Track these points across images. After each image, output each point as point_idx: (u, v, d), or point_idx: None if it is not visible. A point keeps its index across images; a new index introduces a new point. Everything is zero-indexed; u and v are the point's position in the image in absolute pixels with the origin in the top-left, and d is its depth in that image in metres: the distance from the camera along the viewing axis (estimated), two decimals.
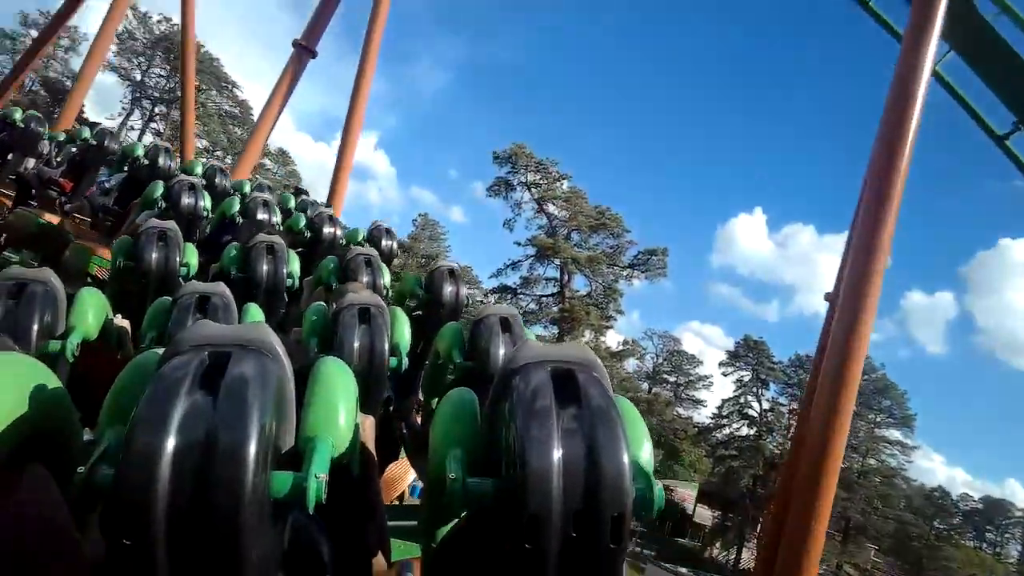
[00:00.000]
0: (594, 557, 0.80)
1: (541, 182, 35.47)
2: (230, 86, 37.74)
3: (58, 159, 6.92)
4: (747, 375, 37.81)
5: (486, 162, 37.94)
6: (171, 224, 3.28)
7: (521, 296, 35.19)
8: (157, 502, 0.69)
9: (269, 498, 0.78)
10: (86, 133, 6.78)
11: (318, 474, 0.83)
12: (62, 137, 7.70)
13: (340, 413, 1.01)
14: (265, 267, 3.45)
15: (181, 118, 18.17)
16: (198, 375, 0.80)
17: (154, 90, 36.48)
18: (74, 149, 6.62)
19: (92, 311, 2.06)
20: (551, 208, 35.47)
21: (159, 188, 4.52)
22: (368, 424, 1.36)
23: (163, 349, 0.92)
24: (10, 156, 6.37)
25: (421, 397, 3.01)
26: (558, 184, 35.49)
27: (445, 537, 1.05)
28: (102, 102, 37.79)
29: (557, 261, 34.14)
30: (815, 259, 62.52)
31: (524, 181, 35.48)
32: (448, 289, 3.46)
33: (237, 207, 4.80)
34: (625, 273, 35.46)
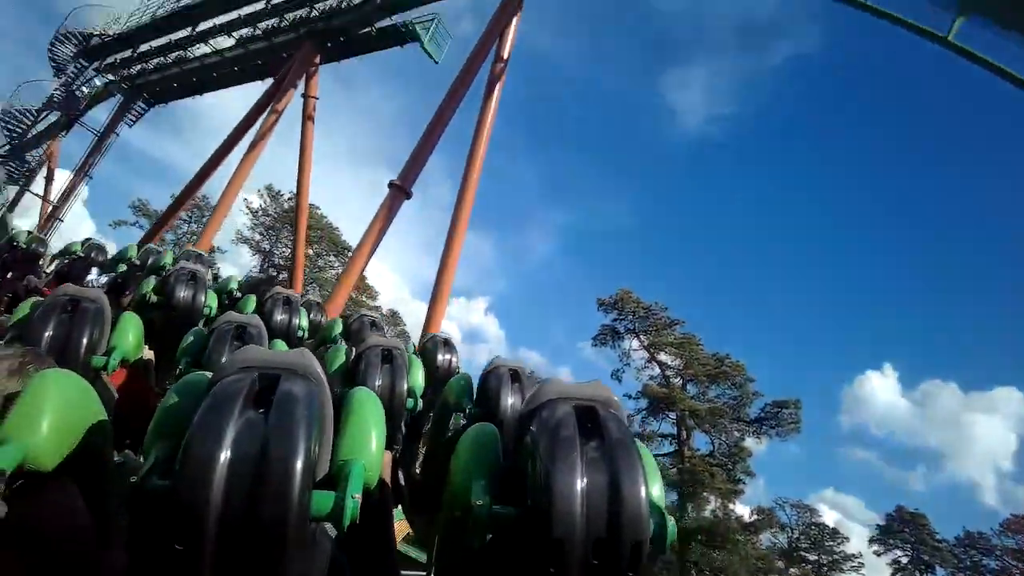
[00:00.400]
0: None
1: (650, 329, 33.20)
2: (348, 251, 40.20)
3: (47, 272, 7.04)
4: (905, 555, 31.43)
5: (591, 322, 36.72)
6: (200, 267, 3.59)
7: None
8: (211, 510, 0.75)
9: (310, 515, 0.83)
10: (76, 247, 6.91)
11: (354, 494, 0.88)
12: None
13: (372, 439, 1.07)
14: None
15: (289, 275, 18.93)
16: (250, 394, 0.87)
17: (279, 258, 39.37)
18: (66, 261, 6.76)
19: (133, 333, 2.30)
20: (663, 356, 32.72)
21: (150, 283, 3.99)
22: (387, 459, 1.44)
23: (205, 372, 1.05)
24: (9, 275, 6.37)
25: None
26: (668, 331, 33.02)
27: (463, 563, 1.08)
28: (239, 272, 41.06)
29: (673, 415, 30.74)
30: (963, 420, 54.34)
31: (632, 328, 33.43)
32: (441, 357, 3.66)
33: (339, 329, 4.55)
34: (752, 429, 31.08)
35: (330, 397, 1.00)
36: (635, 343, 33.37)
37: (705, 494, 28.27)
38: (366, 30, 17.52)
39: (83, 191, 22.92)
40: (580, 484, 0.85)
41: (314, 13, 17.61)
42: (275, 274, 39.53)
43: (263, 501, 0.77)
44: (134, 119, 24.50)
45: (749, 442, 30.89)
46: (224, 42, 20.16)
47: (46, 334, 1.96)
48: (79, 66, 23.52)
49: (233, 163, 17.05)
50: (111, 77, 23.71)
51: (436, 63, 17.63)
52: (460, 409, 2.46)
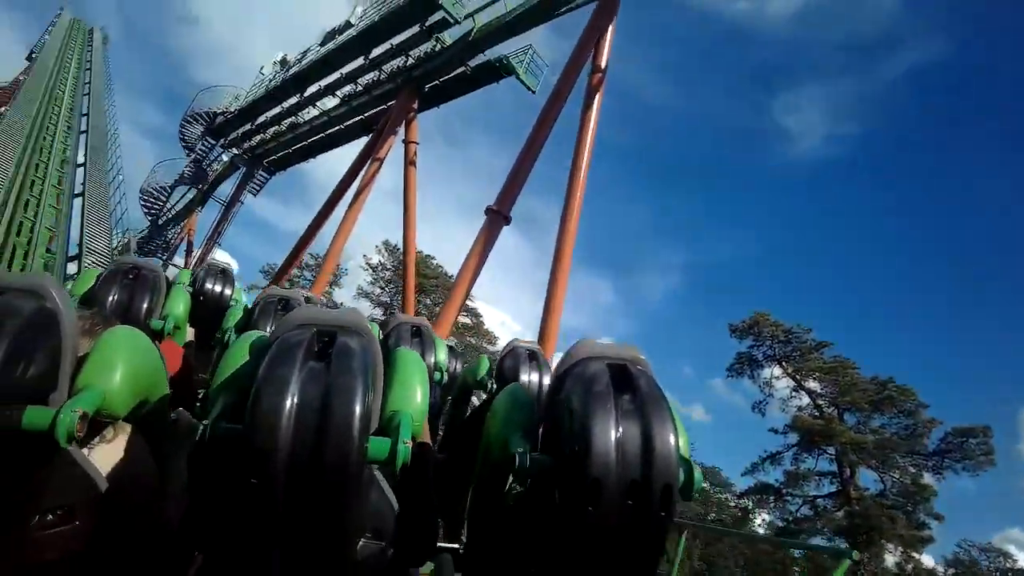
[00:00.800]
0: (645, 522, 0.88)
1: (793, 354, 29.53)
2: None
3: None
4: None
5: (721, 357, 33.65)
6: (228, 264, 3.83)
7: (789, 499, 27.72)
8: (280, 451, 0.83)
9: (367, 459, 0.91)
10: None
11: (405, 440, 0.95)
12: None
13: (417, 393, 1.11)
14: None
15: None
16: (311, 348, 0.95)
17: (400, 310, 40.06)
18: None
19: (183, 303, 2.54)
20: (811, 384, 28.92)
21: (186, 274, 4.20)
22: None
23: (262, 333, 1.19)
24: None
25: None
26: (815, 355, 29.17)
27: (497, 516, 1.17)
28: None
29: (831, 449, 26.82)
30: None
31: (772, 355, 29.95)
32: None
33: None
34: (931, 463, 26.39)
35: (380, 353, 1.07)
36: (777, 370, 29.82)
37: (883, 541, 24.30)
38: (460, 70, 17.24)
39: (212, 256, 24.21)
40: (615, 431, 0.90)
41: (410, 61, 17.61)
42: None
43: (327, 444, 0.85)
44: (257, 187, 25.91)
45: (927, 478, 26.40)
46: (329, 103, 20.75)
47: (110, 298, 2.22)
48: (206, 144, 25.29)
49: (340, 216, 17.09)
50: (235, 151, 25.26)
51: (533, 93, 16.94)
52: (481, 387, 2.57)
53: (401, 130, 17.48)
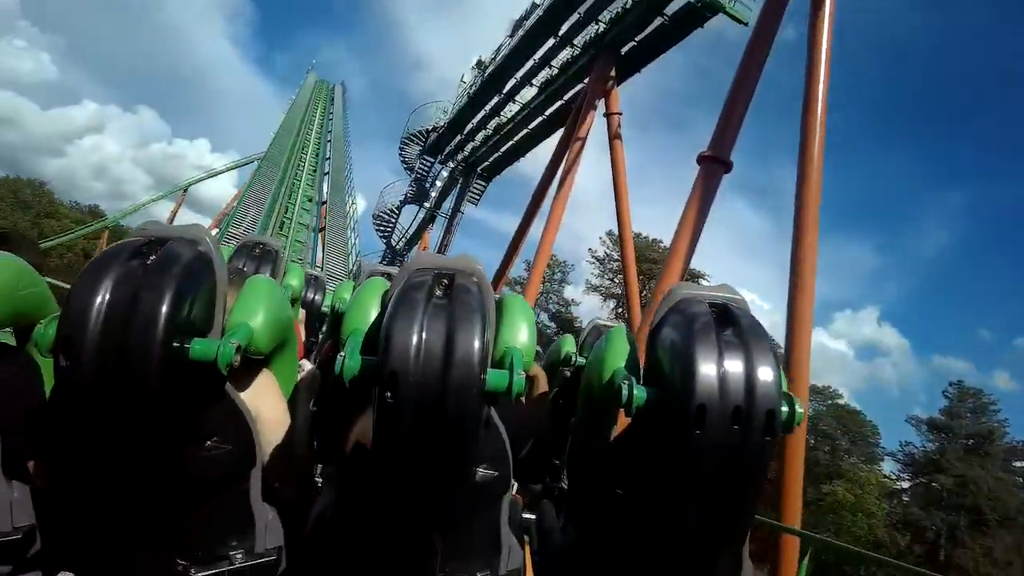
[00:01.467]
0: (749, 446, 0.90)
1: None
2: (698, 278, 37.27)
3: None
4: None
5: None
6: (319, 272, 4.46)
7: None
8: (411, 373, 0.91)
9: (487, 389, 0.98)
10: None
11: (519, 372, 1.02)
12: None
13: (525, 332, 1.17)
14: None
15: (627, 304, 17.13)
16: (433, 287, 1.03)
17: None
18: None
19: (298, 277, 3.02)
20: None
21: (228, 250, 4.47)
22: None
23: (377, 279, 1.30)
24: None
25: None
26: None
27: (599, 454, 1.21)
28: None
29: None
30: None
31: None
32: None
33: None
34: None
35: (493, 294, 1.10)
36: None
37: None
38: (657, 24, 15.16)
39: None
40: (718, 361, 0.92)
41: (601, 27, 16.04)
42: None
43: (452, 372, 0.92)
44: (476, 196, 26.37)
45: None
46: (528, 93, 20.03)
47: (240, 266, 2.62)
48: (425, 162, 26.40)
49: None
50: (450, 164, 26.01)
51: (745, 25, 14.23)
52: (567, 363, 2.58)
53: (600, 105, 15.94)
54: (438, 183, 26.57)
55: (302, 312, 3.06)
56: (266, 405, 1.30)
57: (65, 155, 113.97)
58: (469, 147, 24.68)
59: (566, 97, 18.78)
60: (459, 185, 25.83)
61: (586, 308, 39.76)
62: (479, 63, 21.74)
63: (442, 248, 24.87)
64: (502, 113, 21.61)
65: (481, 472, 1.15)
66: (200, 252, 1.08)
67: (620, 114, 16.15)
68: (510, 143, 22.73)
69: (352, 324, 1.20)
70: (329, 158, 32.18)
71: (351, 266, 20.63)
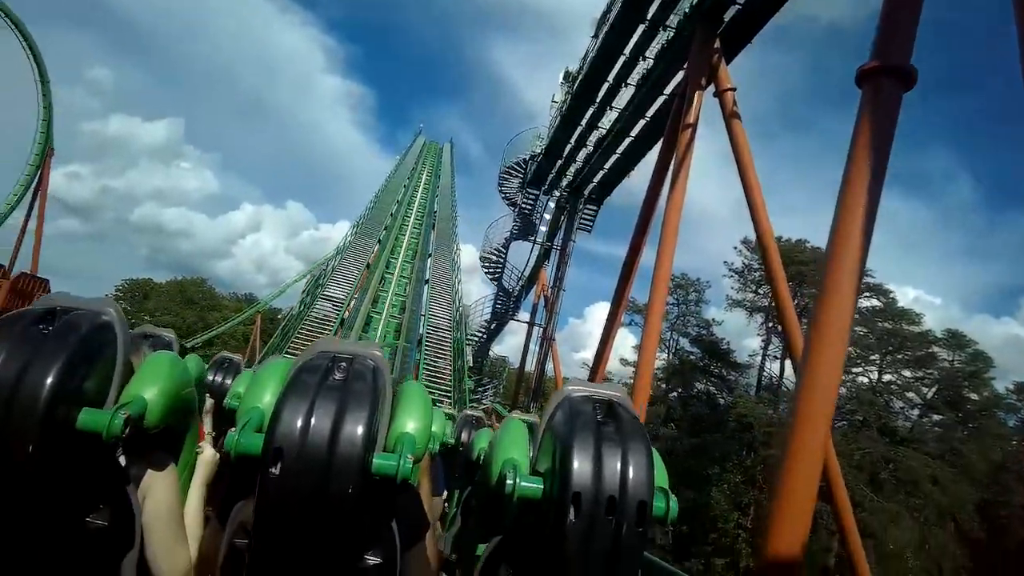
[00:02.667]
0: (621, 535, 0.96)
1: None
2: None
3: None
4: None
5: None
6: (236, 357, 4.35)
7: None
8: (295, 452, 0.94)
9: (373, 473, 1.00)
10: None
11: (408, 456, 1.05)
12: None
13: (420, 419, 1.20)
14: None
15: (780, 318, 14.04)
16: (329, 371, 1.05)
17: (774, 310, 34.04)
18: None
19: (193, 364, 2.59)
20: None
21: None
22: (427, 454, 1.69)
23: (290, 357, 1.34)
24: None
25: None
26: None
27: (501, 533, 1.26)
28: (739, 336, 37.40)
29: None
30: None
31: None
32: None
33: None
34: None
35: (390, 380, 1.15)
36: None
37: None
38: None
39: (560, 304, 23.01)
40: (595, 453, 0.99)
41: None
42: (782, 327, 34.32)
43: (338, 452, 0.95)
44: (588, 223, 24.31)
45: None
46: (625, 96, 17.82)
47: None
48: (528, 195, 24.80)
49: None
50: (555, 193, 24.23)
51: None
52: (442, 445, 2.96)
53: (706, 92, 13.36)
54: (546, 215, 24.83)
55: (210, 401, 2.85)
56: (158, 485, 1.28)
57: (232, 256, 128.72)
58: (572, 170, 22.76)
59: (668, 91, 16.37)
60: (567, 213, 23.91)
61: (732, 326, 35.85)
62: (567, 75, 19.94)
63: (557, 282, 22.91)
64: (600, 125, 19.53)
65: (368, 559, 1.13)
66: (102, 323, 1.11)
67: (734, 90, 13.43)
68: (615, 157, 20.53)
69: (250, 403, 1.20)
70: (436, 211, 31.71)
71: (455, 313, 19.29)
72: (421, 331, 14.29)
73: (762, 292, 34.51)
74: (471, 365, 14.62)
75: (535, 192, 24.80)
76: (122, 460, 1.22)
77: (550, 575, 1.00)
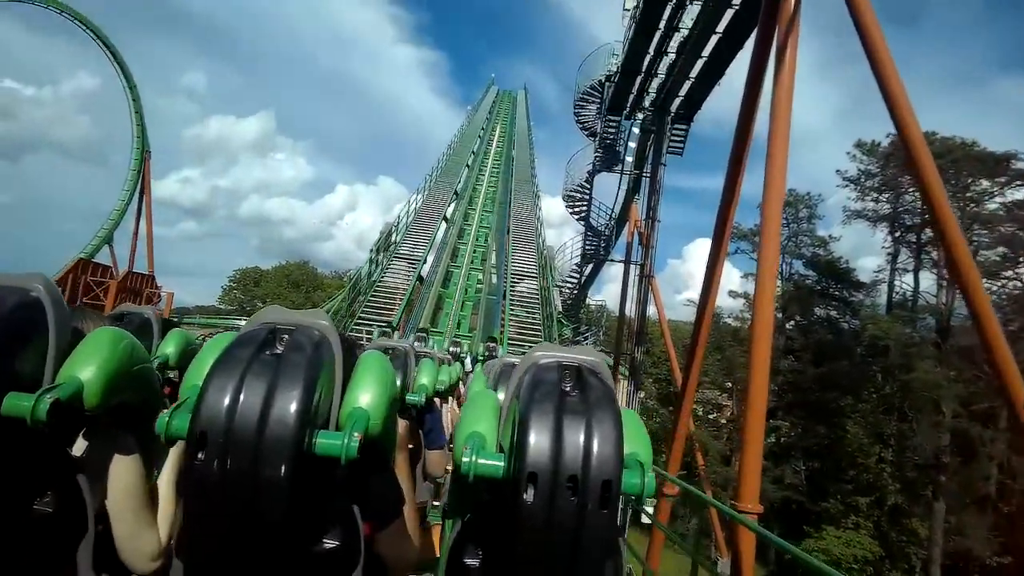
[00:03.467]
0: (584, 517, 0.87)
1: None
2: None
3: None
4: None
5: None
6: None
7: None
8: (220, 434, 0.86)
9: (314, 452, 0.93)
10: None
11: (355, 433, 0.96)
12: None
13: (375, 392, 1.10)
14: None
15: (936, 229, 11.52)
16: (265, 344, 0.97)
17: (912, 215, 29.96)
18: None
19: (174, 344, 2.42)
20: None
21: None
22: (403, 426, 1.50)
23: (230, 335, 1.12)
24: None
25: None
26: None
27: (466, 514, 1.16)
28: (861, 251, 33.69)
29: None
30: None
31: None
32: None
33: None
34: None
35: (340, 352, 1.07)
36: None
37: None
38: None
39: (656, 237, 20.89)
40: (556, 426, 0.90)
41: None
42: (915, 237, 30.26)
43: (268, 433, 0.87)
44: (679, 144, 21.88)
45: None
46: None
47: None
48: (609, 122, 22.61)
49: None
50: (638, 115, 21.93)
51: None
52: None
53: None
54: (631, 143, 22.58)
55: None
56: (119, 468, 1.24)
57: (333, 237, 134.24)
58: (653, 86, 20.32)
59: None
60: (654, 137, 21.57)
61: (850, 243, 32.21)
62: None
63: (650, 213, 20.82)
64: (681, 25, 16.99)
65: (325, 543, 1.08)
66: (29, 300, 1.07)
67: None
68: (701, 61, 17.96)
69: (191, 380, 1.13)
70: (513, 158, 30.09)
71: (540, 258, 17.79)
72: (505, 283, 12.89)
73: (884, 199, 30.64)
74: (561, 311, 13.13)
75: (615, 119, 22.57)
76: (83, 443, 1.23)
77: (511, 561, 0.93)
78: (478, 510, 1.14)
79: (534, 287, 16.48)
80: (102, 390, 1.10)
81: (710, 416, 35.54)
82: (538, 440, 0.89)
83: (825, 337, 29.69)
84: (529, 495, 0.87)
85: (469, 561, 1.10)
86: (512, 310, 14.98)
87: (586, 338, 21.99)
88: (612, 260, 22.86)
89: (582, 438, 0.89)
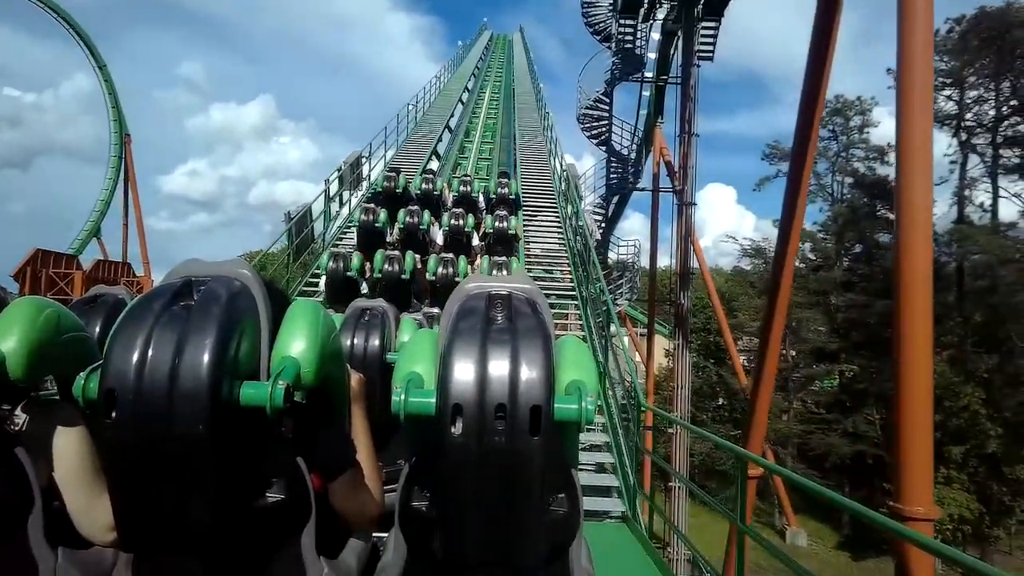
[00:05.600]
0: (515, 445, 0.85)
1: None
2: None
3: None
4: None
5: None
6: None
7: None
8: (129, 391, 0.82)
9: (237, 404, 0.89)
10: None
11: (280, 382, 0.91)
12: None
13: (306, 339, 1.04)
14: None
15: None
16: (177, 296, 0.92)
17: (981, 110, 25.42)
18: None
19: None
20: None
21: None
22: (356, 379, 1.42)
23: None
24: None
25: None
26: None
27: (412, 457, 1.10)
28: None
29: None
30: None
31: None
32: None
33: None
34: None
35: (264, 301, 1.03)
36: None
37: None
38: None
39: (696, 156, 17.01)
40: (480, 356, 0.88)
41: None
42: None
43: (179, 386, 0.83)
44: (709, 47, 17.85)
45: None
46: None
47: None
48: (624, 25, 18.57)
49: None
50: (657, 13, 17.92)
51: None
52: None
53: None
54: (650, 55, 18.59)
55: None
56: (63, 440, 1.20)
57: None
58: None
59: None
60: (681, 37, 17.58)
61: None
62: None
63: (686, 126, 16.91)
64: None
65: (269, 497, 1.02)
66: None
67: None
68: None
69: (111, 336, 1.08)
70: (514, 89, 26.12)
71: (558, 182, 14.00)
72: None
73: (947, 94, 26.17)
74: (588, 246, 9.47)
75: (631, 22, 18.54)
76: (22, 416, 1.17)
77: (450, 498, 0.93)
78: (422, 451, 1.06)
79: (553, 208, 12.86)
80: (26, 362, 1.08)
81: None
82: (462, 371, 0.86)
83: (890, 264, 25.67)
84: (457, 428, 0.85)
85: (416, 504, 1.04)
86: (529, 242, 11.24)
87: (620, 287, 18.38)
88: (639, 189, 19.06)
89: (508, 365, 0.86)
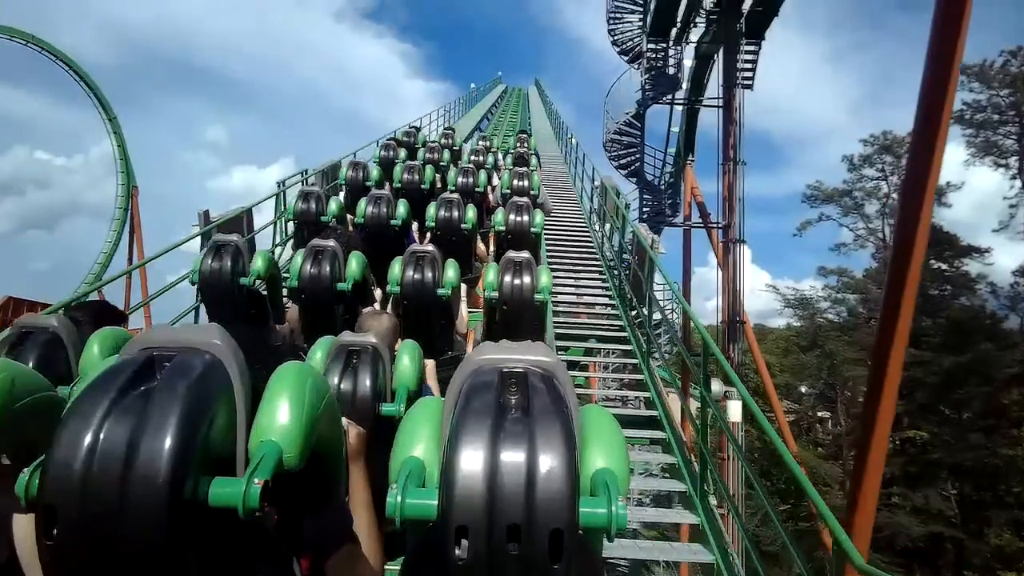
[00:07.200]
0: (532, 572, 0.72)
1: None
2: None
3: None
4: None
5: None
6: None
7: None
8: (73, 506, 0.69)
9: (205, 503, 0.75)
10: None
11: (257, 479, 0.78)
12: None
13: (289, 415, 0.90)
14: None
15: None
16: (148, 370, 0.79)
17: None
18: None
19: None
20: None
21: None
22: (355, 436, 1.28)
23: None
24: None
25: None
26: None
27: (406, 557, 0.97)
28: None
29: None
30: None
31: None
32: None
33: None
34: None
35: (241, 374, 0.87)
36: None
37: None
38: None
39: (742, 187, 14.77)
40: (490, 461, 0.73)
41: None
42: None
43: (133, 486, 0.69)
44: (750, 72, 15.93)
45: None
46: None
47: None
48: (655, 49, 16.73)
49: None
50: (689, 36, 16.12)
51: None
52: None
53: None
54: (687, 62, 16.68)
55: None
56: (21, 520, 1.05)
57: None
58: None
59: None
60: (722, 58, 15.69)
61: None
62: None
63: (729, 155, 14.72)
64: None
65: None
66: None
67: None
68: None
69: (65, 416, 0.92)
70: (531, 125, 24.41)
71: (593, 190, 11.72)
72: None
73: (1007, 130, 24.00)
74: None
75: (662, 44, 16.72)
76: None
77: None
78: (422, 549, 0.93)
79: (586, 234, 10.48)
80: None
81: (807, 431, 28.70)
82: (467, 480, 0.72)
83: (958, 315, 22.85)
84: (462, 550, 0.71)
85: None
86: (556, 276, 8.80)
87: (659, 336, 15.95)
88: (675, 224, 16.68)
89: (523, 473, 0.72)
